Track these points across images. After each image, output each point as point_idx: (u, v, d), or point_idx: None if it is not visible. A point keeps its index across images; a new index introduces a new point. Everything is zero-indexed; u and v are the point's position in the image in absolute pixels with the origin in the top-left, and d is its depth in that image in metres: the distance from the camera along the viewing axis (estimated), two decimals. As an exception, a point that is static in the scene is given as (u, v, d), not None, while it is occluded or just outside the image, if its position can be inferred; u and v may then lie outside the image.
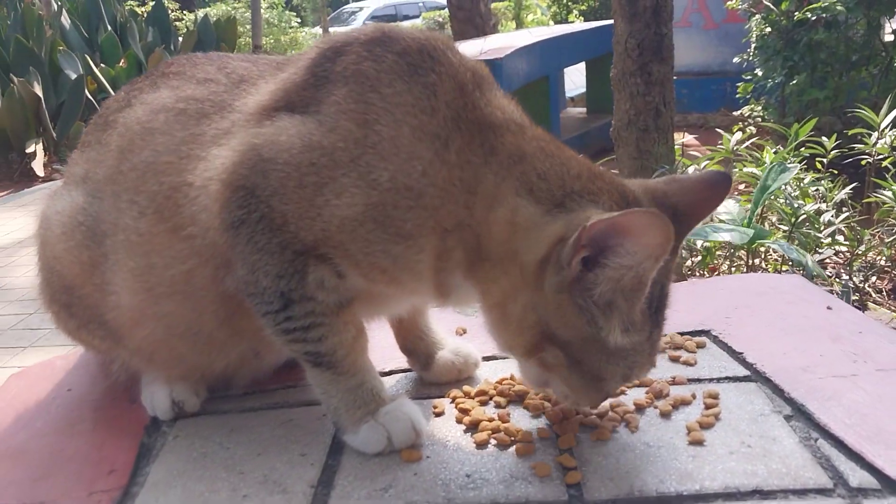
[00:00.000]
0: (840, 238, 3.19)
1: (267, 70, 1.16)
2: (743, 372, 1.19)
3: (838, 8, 5.65)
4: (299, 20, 15.31)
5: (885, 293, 3.25)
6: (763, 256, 3.31)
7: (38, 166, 7.14)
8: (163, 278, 1.10)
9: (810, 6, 5.67)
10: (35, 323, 3.95)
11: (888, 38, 6.20)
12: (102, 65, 8.79)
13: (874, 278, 3.32)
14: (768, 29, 6.26)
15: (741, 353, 1.24)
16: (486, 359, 1.27)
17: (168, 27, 10.76)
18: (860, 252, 3.27)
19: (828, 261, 3.20)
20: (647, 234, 0.86)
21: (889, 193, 3.20)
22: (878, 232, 3.49)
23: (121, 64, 8.89)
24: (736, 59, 6.79)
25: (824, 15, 5.71)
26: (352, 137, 0.99)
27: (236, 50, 11.76)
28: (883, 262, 3.36)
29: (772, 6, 6.18)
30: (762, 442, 1.00)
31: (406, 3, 21.00)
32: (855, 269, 3.29)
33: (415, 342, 1.24)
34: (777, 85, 6.19)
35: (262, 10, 12.22)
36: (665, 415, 1.09)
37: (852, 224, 3.26)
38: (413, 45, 1.04)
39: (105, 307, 1.17)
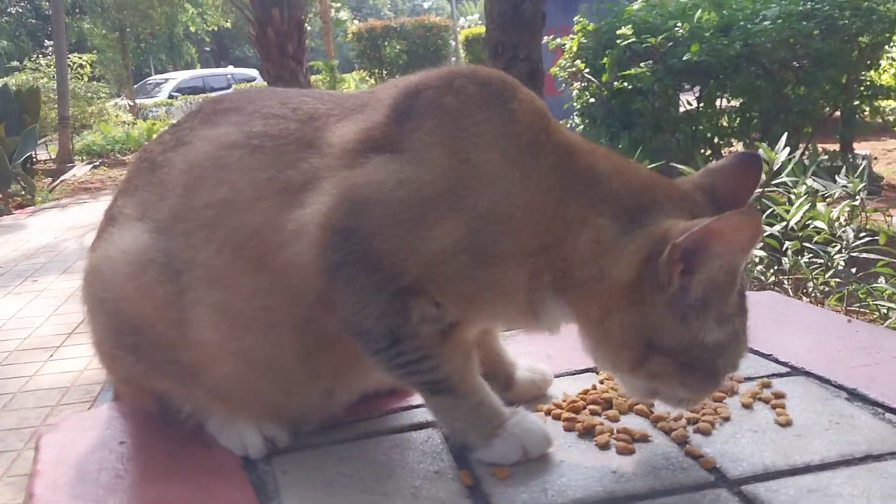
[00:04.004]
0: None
1: (335, 108, 1.17)
2: (783, 369, 1.34)
3: (647, 76, 6.28)
4: (107, 91, 14.67)
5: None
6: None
7: None
8: (244, 312, 1.09)
9: (623, 73, 6.26)
10: None
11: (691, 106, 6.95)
12: None
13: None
14: (592, 99, 6.86)
15: (770, 354, 1.40)
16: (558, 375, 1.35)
17: (-36, 95, 9.96)
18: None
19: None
20: (735, 233, 0.95)
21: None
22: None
23: (-86, 134, 8.11)
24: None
25: (639, 85, 6.33)
26: (440, 168, 1.04)
27: (40, 121, 11.08)
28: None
29: (591, 78, 6.80)
30: (844, 419, 1.15)
31: (213, 75, 20.74)
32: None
33: (494, 366, 1.28)
34: (602, 148, 6.74)
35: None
36: (747, 406, 1.21)
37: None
38: (491, 78, 1.12)
39: (181, 345, 1.13)
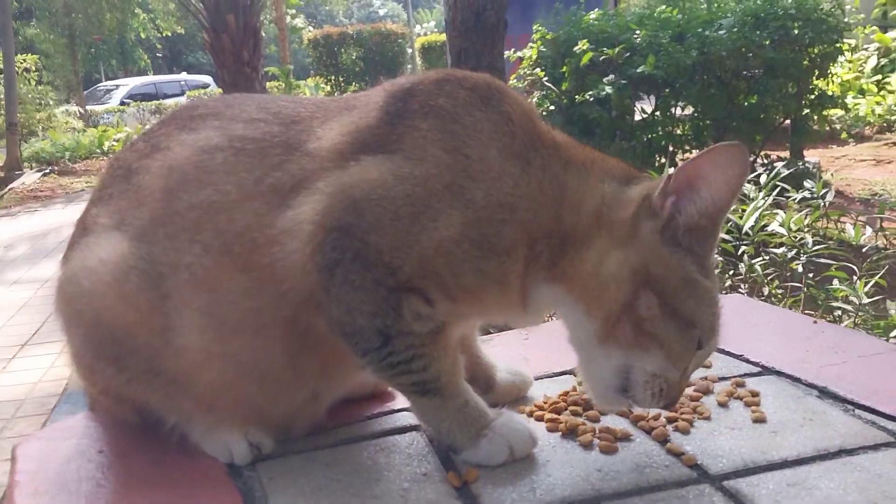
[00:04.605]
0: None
1: (317, 111, 1.19)
2: (754, 369, 1.38)
3: (607, 90, 6.38)
4: (56, 97, 14.39)
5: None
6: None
7: None
8: (231, 314, 1.09)
9: (583, 90, 6.36)
10: None
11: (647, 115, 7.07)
12: None
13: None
14: (551, 107, 6.93)
15: (741, 355, 1.44)
16: (536, 378, 1.36)
17: None
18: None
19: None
20: (729, 165, 1.02)
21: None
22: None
23: None
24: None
25: (600, 95, 6.42)
26: (443, 164, 1.07)
27: (-13, 127, 10.81)
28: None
29: (552, 87, 6.87)
30: (818, 416, 1.19)
31: (167, 81, 20.48)
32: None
33: (474, 369, 1.29)
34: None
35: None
36: (723, 405, 1.24)
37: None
38: (480, 81, 1.16)
39: (166, 353, 1.12)
